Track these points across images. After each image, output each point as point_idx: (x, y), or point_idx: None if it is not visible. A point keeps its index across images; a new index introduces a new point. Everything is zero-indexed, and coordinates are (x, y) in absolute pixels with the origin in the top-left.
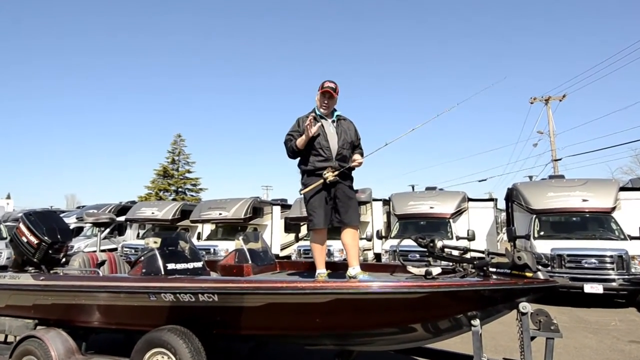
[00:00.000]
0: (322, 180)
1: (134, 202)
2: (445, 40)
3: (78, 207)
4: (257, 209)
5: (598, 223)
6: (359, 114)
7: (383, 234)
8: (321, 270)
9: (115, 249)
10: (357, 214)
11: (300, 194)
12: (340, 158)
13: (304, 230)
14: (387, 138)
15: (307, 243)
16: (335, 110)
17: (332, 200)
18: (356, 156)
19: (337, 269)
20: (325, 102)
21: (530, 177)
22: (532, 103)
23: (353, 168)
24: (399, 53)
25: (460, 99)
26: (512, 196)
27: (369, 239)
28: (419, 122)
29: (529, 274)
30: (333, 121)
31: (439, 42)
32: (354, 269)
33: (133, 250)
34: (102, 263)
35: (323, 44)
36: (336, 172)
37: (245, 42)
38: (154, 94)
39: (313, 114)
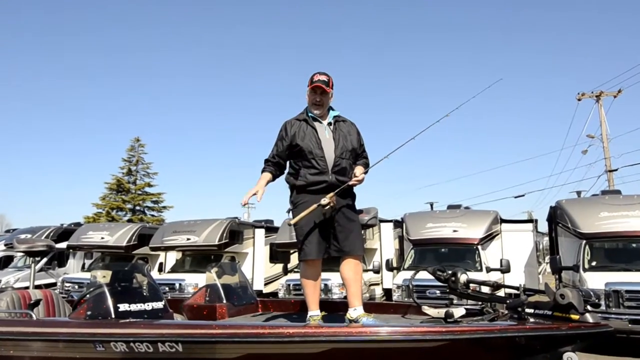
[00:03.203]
0: (315, 206)
1: (78, 225)
2: (465, 34)
3: (7, 231)
4: (235, 232)
5: None
6: (360, 116)
7: (394, 265)
8: (314, 312)
9: (54, 285)
10: (361, 241)
11: (289, 225)
12: (338, 170)
13: (294, 260)
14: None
15: (298, 276)
16: (332, 109)
17: (328, 223)
18: (357, 169)
19: (336, 309)
20: (318, 99)
21: (579, 193)
22: (579, 100)
23: (353, 185)
24: (416, 40)
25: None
26: (556, 217)
27: (377, 271)
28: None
29: (574, 317)
30: (329, 124)
31: (460, 35)
32: (355, 310)
33: (76, 286)
34: (37, 303)
35: (316, 36)
36: (332, 195)
37: (223, 30)
38: (106, 93)
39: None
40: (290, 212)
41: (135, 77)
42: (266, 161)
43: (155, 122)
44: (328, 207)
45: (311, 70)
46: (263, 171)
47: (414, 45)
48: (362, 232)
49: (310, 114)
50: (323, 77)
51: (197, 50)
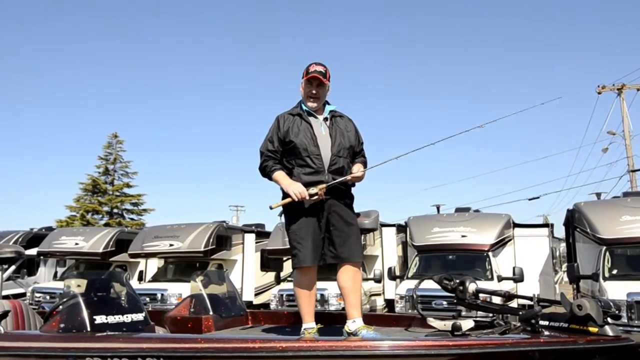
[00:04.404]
0: (290, 199)
1: (50, 229)
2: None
3: None
4: (223, 238)
5: None
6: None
7: (397, 273)
8: (309, 325)
9: (24, 295)
10: (359, 246)
11: (270, 209)
12: (335, 169)
13: (287, 268)
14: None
15: (291, 286)
16: (328, 103)
17: (324, 227)
18: (355, 167)
19: (333, 321)
20: (314, 91)
21: (599, 195)
22: (599, 93)
23: (352, 184)
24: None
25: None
26: (574, 221)
27: (378, 280)
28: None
29: (593, 329)
30: (325, 119)
31: (480, 23)
32: (354, 322)
33: (48, 297)
34: (4, 315)
35: (313, 27)
36: (324, 186)
37: (210, 18)
38: (80, 84)
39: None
40: (282, 215)
41: (113, 67)
42: (266, 155)
43: (134, 117)
44: (316, 197)
45: (308, 60)
46: (273, 170)
47: (420, 33)
48: (362, 237)
49: (304, 108)
50: (320, 68)
51: (181, 39)
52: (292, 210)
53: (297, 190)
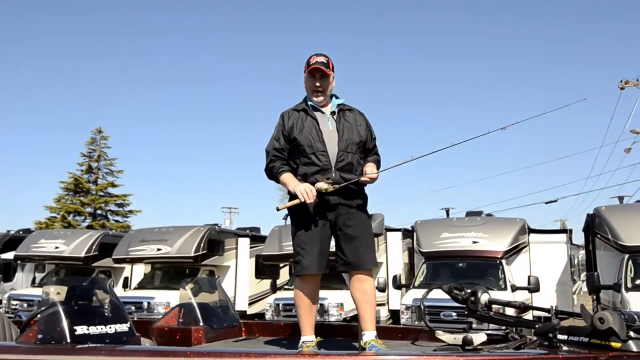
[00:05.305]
0: (298, 201)
1: (28, 231)
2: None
3: None
4: (215, 242)
5: None
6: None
7: (402, 282)
8: (308, 337)
9: None
10: (372, 252)
11: (277, 210)
12: (342, 167)
13: (284, 275)
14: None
15: (290, 295)
16: (335, 96)
17: (333, 231)
18: (368, 167)
19: (333, 334)
20: (317, 84)
21: (621, 199)
22: (622, 89)
23: (363, 184)
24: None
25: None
26: (594, 226)
27: (382, 289)
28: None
29: (615, 344)
30: (333, 112)
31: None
32: (364, 335)
33: (25, 305)
34: None
35: (312, 17)
36: (331, 188)
37: (203, 5)
38: (61, 76)
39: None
40: (288, 217)
41: (98, 59)
42: (272, 155)
43: (120, 111)
44: (325, 189)
45: (308, 53)
46: (281, 172)
47: (433, 30)
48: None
49: (309, 103)
50: (321, 59)
51: (171, 32)
52: (299, 213)
53: (304, 189)
